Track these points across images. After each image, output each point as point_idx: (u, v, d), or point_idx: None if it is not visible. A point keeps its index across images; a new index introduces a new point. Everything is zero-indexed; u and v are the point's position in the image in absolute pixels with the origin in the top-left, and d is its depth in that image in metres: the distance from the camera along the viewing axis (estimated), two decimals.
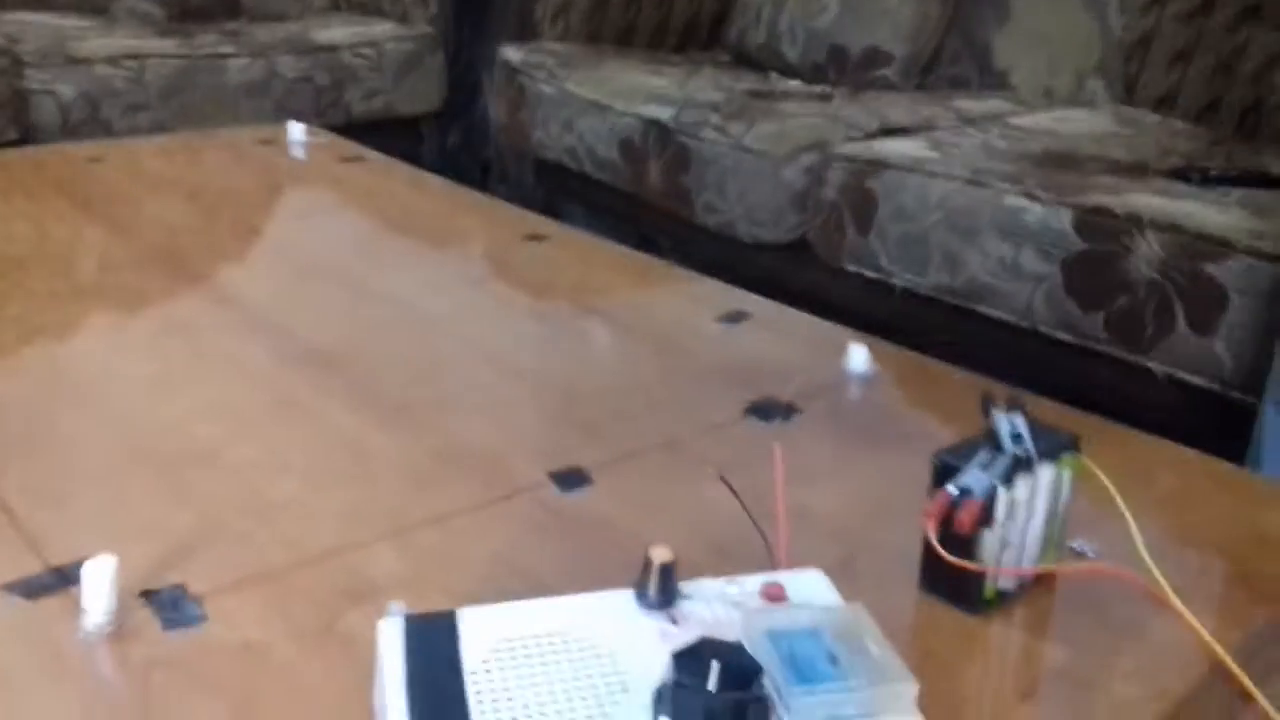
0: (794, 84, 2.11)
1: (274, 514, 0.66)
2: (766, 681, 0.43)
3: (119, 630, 0.55)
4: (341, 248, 1.12)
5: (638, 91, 1.90)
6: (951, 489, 0.55)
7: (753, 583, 0.51)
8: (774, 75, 2.20)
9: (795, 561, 0.54)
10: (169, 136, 1.62)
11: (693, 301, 1.03)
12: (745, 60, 2.27)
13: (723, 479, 0.65)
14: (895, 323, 1.58)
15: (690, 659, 0.43)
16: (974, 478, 0.55)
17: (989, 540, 0.56)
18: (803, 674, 0.44)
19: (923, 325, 1.53)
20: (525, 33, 2.23)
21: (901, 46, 2.10)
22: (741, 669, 0.43)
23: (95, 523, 0.64)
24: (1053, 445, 0.58)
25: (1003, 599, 0.59)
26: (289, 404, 0.79)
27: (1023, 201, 1.39)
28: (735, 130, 1.71)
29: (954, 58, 2.20)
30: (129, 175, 1.34)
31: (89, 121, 2.00)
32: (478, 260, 1.12)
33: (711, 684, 0.42)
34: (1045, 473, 0.58)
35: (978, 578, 0.57)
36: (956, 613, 0.58)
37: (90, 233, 1.13)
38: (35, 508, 0.65)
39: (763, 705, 0.42)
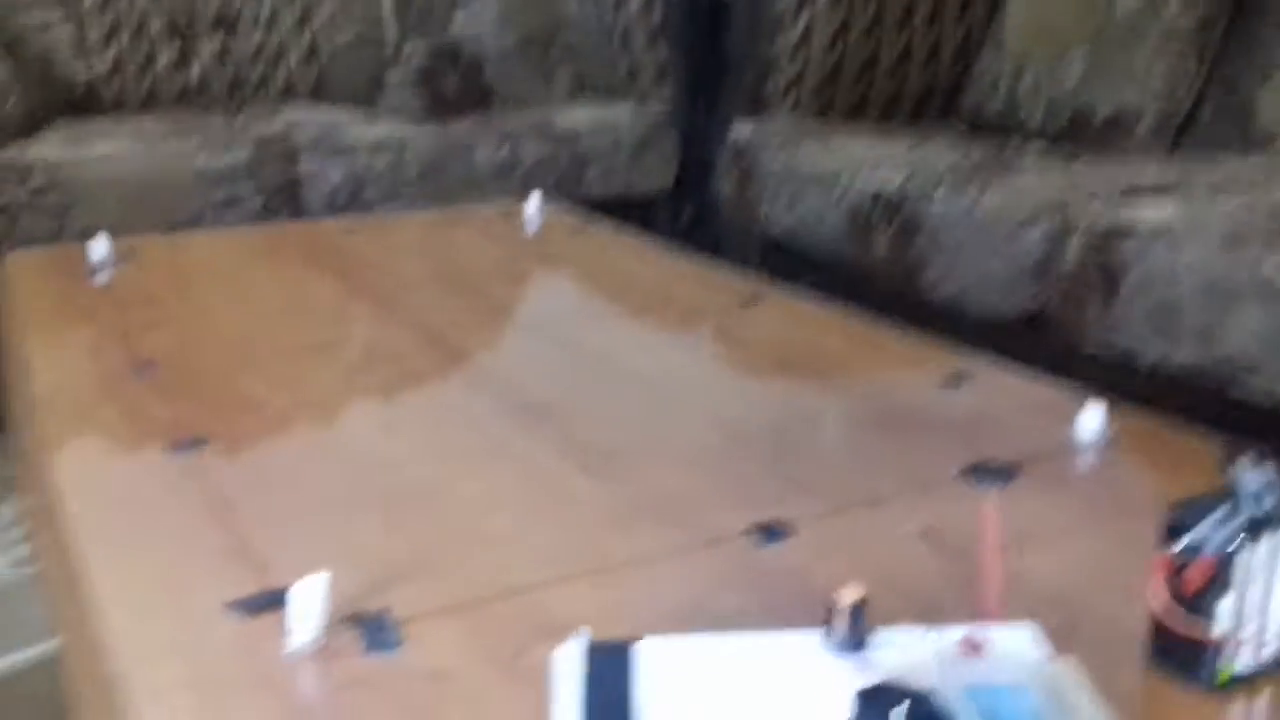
0: (1034, 150, 2.04)
1: (482, 548, 0.68)
2: None
3: (324, 650, 0.58)
4: (563, 309, 1.16)
5: (865, 162, 1.88)
6: (1179, 545, 0.50)
7: (954, 632, 0.48)
8: (1013, 142, 2.13)
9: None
10: (417, 212, 1.74)
11: (912, 363, 1.00)
12: (983, 129, 2.22)
13: (923, 535, 0.62)
14: (1141, 404, 1.48)
15: (876, 700, 0.40)
16: (1206, 534, 0.50)
17: (1225, 609, 0.51)
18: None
19: (1173, 407, 1.42)
20: (757, 109, 2.27)
21: (1152, 107, 1.99)
22: (931, 715, 0.40)
23: (317, 550, 0.67)
24: None
25: (1242, 682, 0.52)
26: (504, 449, 0.82)
27: None
28: (966, 199, 1.66)
29: (1212, 118, 2.06)
30: (378, 245, 1.44)
31: (353, 203, 2.17)
32: (692, 321, 1.13)
33: None
34: None
35: (1211, 651, 0.51)
36: (1187, 693, 0.52)
37: (335, 293, 1.22)
38: (266, 535, 0.69)
39: None
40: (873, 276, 1.83)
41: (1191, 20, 1.99)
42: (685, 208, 2.59)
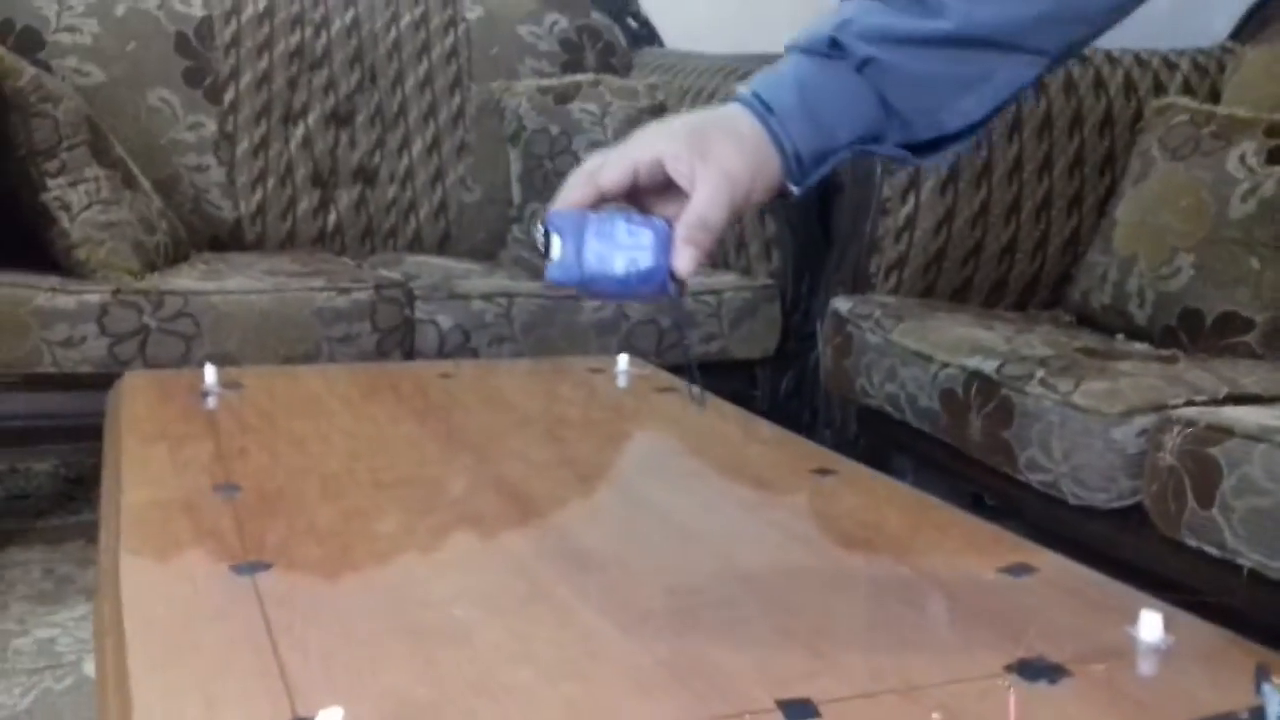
0: (1139, 347, 2.01)
1: (501, 696, 0.68)
2: None
3: None
4: (632, 464, 1.17)
5: (963, 343, 1.88)
6: None
7: None
8: (1119, 338, 2.10)
9: None
10: (513, 361, 1.79)
11: (975, 549, 0.98)
12: (1088, 322, 2.20)
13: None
14: (1241, 609, 1.40)
15: None
16: None
17: None
18: None
19: (1274, 615, 1.34)
20: (859, 286, 2.30)
21: (1263, 313, 1.95)
22: None
23: (342, 684, 0.69)
24: None
25: None
26: (545, 598, 0.83)
27: None
28: (1063, 386, 1.64)
29: None
30: (471, 390, 1.49)
31: (461, 349, 2.25)
32: (758, 487, 1.13)
33: None
34: None
35: None
36: None
37: (421, 433, 1.26)
38: (300, 665, 0.71)
39: None
40: (971, 455, 1.80)
41: None
42: (786, 375, 2.61)
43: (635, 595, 0.84)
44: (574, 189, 0.79)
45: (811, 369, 2.52)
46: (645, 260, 0.76)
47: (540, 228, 0.76)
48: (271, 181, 2.73)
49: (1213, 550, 1.41)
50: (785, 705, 0.68)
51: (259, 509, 0.99)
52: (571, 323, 2.32)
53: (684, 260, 0.77)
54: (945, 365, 1.85)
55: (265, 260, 2.43)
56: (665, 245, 0.76)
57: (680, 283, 0.79)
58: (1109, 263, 2.15)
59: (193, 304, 2.07)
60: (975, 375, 1.78)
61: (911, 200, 2.25)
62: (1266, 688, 0.50)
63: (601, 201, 0.80)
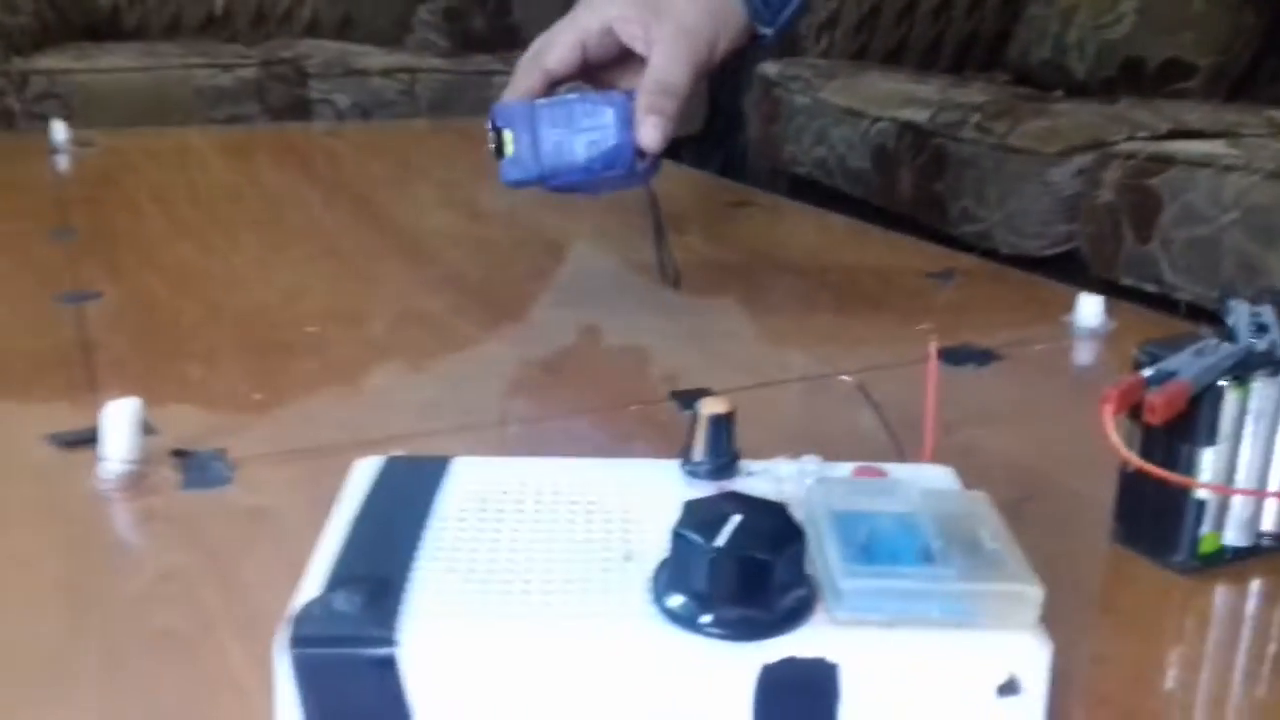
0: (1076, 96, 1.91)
1: (356, 400, 0.59)
2: (812, 553, 0.30)
3: (139, 484, 0.49)
4: (522, 201, 1.06)
5: (894, 97, 1.77)
6: (1149, 372, 0.39)
7: (845, 467, 0.38)
8: (1059, 94, 2.00)
9: None
10: (407, 122, 1.65)
11: (901, 258, 0.89)
12: (1027, 80, 2.09)
13: (859, 388, 0.52)
14: None
15: (707, 511, 0.31)
16: (1184, 362, 0.39)
17: (1209, 463, 0.40)
18: (871, 555, 0.31)
19: None
20: (789, 50, 2.16)
21: (1207, 58, 1.86)
22: (774, 531, 0.30)
23: (168, 393, 0.59)
24: None
25: (1231, 557, 0.42)
26: (417, 318, 0.73)
27: None
28: (998, 129, 1.54)
29: (1274, 75, 1.92)
30: (355, 145, 1.36)
31: (364, 122, 2.09)
32: (673, 222, 1.03)
33: (721, 539, 0.29)
34: None
35: (1188, 512, 0.40)
36: (1159, 571, 0.42)
37: (287, 182, 1.14)
38: (125, 378, 0.61)
39: (795, 571, 0.29)
40: (899, 213, 1.72)
41: None
42: (715, 156, 2.49)
43: (518, 311, 0.74)
44: (520, 78, 0.68)
45: (740, 148, 2.40)
46: (607, 139, 0.63)
47: (489, 125, 0.65)
48: None
49: (1150, 287, 1.35)
50: (680, 395, 0.59)
51: (95, 248, 0.88)
52: (484, 98, 2.16)
53: (648, 131, 0.64)
54: (876, 120, 1.74)
55: (145, 45, 2.22)
56: (628, 119, 0.64)
57: (651, 158, 0.66)
58: (1049, 14, 2.03)
59: (60, 84, 1.88)
60: (907, 127, 1.68)
61: None
62: (1233, 302, 0.42)
63: (553, 86, 0.68)
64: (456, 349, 0.67)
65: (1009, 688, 0.28)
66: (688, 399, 0.59)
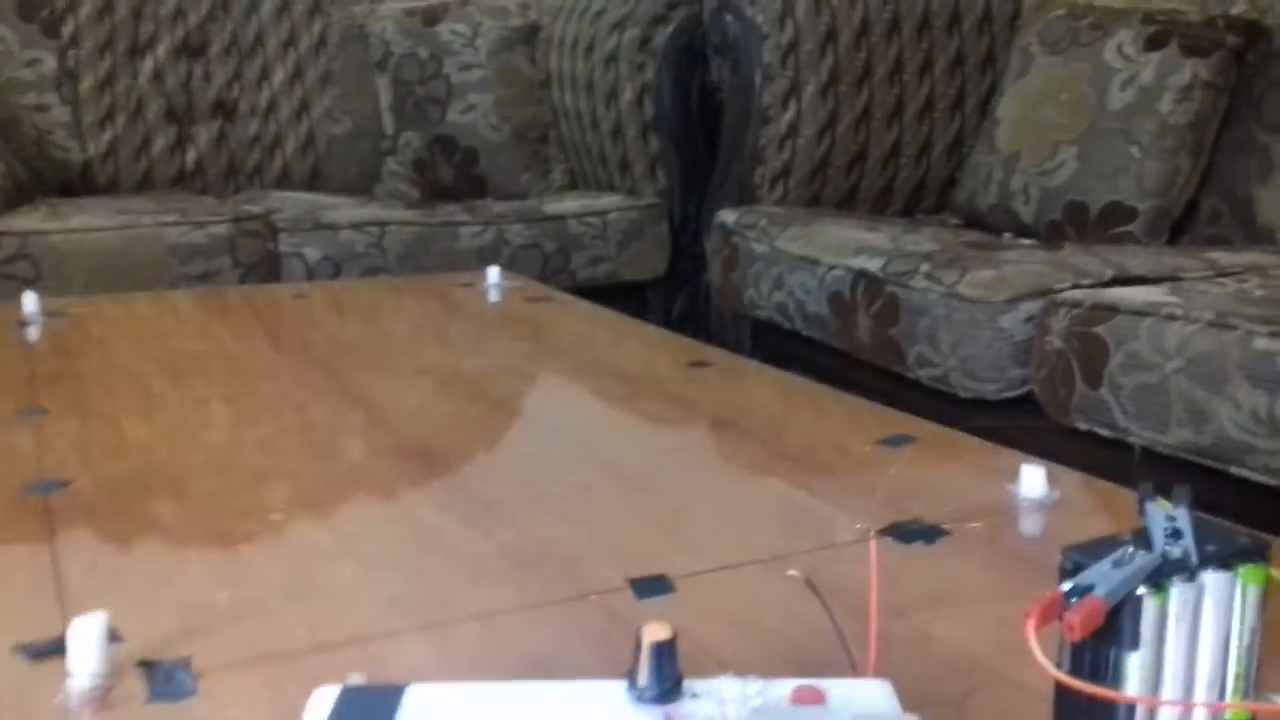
0: (1026, 242, 1.98)
1: (317, 598, 0.60)
2: None
3: (105, 698, 0.50)
4: (492, 368, 1.09)
5: (848, 245, 1.83)
6: (1066, 585, 0.42)
7: (785, 686, 0.39)
8: (1007, 236, 2.07)
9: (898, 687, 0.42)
10: (372, 279, 1.69)
11: (853, 425, 0.92)
12: (976, 224, 2.17)
13: (808, 583, 0.54)
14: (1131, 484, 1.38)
15: None
16: (1100, 574, 0.42)
17: (1135, 667, 0.42)
18: None
19: (1168, 493, 1.32)
20: (745, 198, 2.23)
21: (1146, 202, 1.94)
22: None
23: (134, 595, 0.60)
24: (1227, 550, 0.44)
25: None
26: (381, 498, 0.74)
27: (1278, 345, 1.20)
28: (948, 278, 1.60)
29: (1212, 217, 2.01)
30: (322, 307, 1.39)
31: (331, 281, 2.13)
32: (628, 382, 1.06)
33: None
34: (1215, 583, 0.43)
35: (1120, 718, 0.42)
36: None
37: (256, 351, 1.16)
38: (86, 576, 0.62)
39: None
40: (859, 358, 1.76)
41: (1185, 117, 1.95)
42: (678, 297, 2.54)
43: (481, 489, 0.76)
44: None
45: (704, 290, 2.46)
46: None
47: None
48: (121, 119, 2.55)
49: (1104, 431, 1.39)
50: (637, 583, 0.61)
51: (64, 430, 0.89)
52: (450, 249, 2.22)
53: None
54: (831, 268, 1.80)
55: (118, 201, 2.26)
56: None
57: None
58: (993, 162, 2.12)
59: (31, 245, 1.92)
60: (861, 275, 1.73)
61: (793, 107, 2.19)
62: (1149, 506, 0.44)
63: None
64: (420, 536, 0.69)
65: None
66: (644, 587, 0.61)
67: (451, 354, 1.18)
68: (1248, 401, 1.22)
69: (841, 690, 0.39)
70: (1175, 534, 0.44)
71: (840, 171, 2.25)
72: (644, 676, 0.38)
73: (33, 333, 1.23)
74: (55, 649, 0.53)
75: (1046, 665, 0.39)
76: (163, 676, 0.51)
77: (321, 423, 0.92)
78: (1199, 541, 0.44)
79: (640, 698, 0.38)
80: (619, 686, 0.39)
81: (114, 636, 0.53)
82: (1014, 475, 0.75)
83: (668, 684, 0.38)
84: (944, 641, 0.55)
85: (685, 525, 0.71)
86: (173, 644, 0.54)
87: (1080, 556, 0.43)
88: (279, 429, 0.90)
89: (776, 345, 2.07)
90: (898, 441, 0.86)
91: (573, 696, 0.39)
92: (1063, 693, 0.44)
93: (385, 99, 2.69)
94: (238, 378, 1.06)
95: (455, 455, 0.83)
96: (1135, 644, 0.42)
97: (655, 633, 0.39)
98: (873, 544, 0.48)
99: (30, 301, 1.25)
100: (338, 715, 0.38)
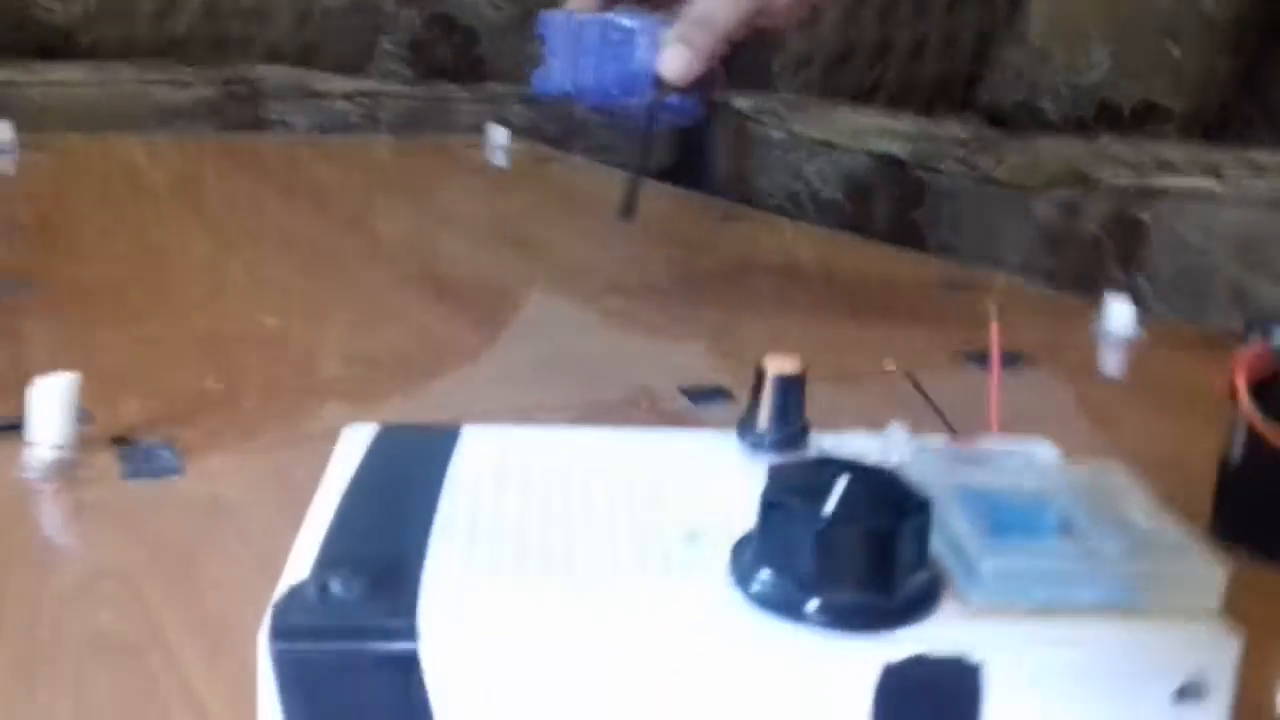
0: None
1: (318, 393, 0.52)
2: (941, 526, 0.24)
3: (71, 475, 0.42)
4: (505, 212, 1.00)
5: (870, 130, 1.74)
6: None
7: (938, 440, 0.32)
8: (1032, 132, 1.99)
9: None
10: (371, 137, 1.60)
11: (911, 270, 0.84)
12: (1000, 122, 2.07)
13: (908, 375, 0.46)
14: None
15: (803, 475, 0.24)
16: None
17: None
18: (1007, 532, 0.25)
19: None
20: (760, 85, 2.13)
21: (1182, 102, 1.85)
22: (893, 499, 0.24)
23: (117, 381, 0.52)
24: None
25: None
26: (389, 313, 0.66)
27: None
28: (982, 163, 1.51)
29: (1246, 121, 1.92)
30: (315, 157, 1.29)
31: (325, 136, 2.02)
32: (663, 233, 0.97)
33: (829, 506, 0.23)
34: None
35: None
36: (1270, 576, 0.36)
37: (242, 184, 1.07)
38: (54, 360, 0.54)
39: (920, 548, 0.23)
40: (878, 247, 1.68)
41: (1228, 15, 1.85)
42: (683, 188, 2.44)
43: (503, 309, 0.68)
44: None
45: (708, 182, 2.36)
46: (627, 65, 0.59)
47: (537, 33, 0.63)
48: None
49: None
50: (692, 393, 0.53)
51: (34, 238, 0.80)
52: (447, 124, 2.11)
53: (669, 59, 0.58)
54: (852, 152, 1.71)
55: (98, 63, 2.14)
56: (654, 47, 0.59)
57: (697, 94, 0.61)
58: (1022, 57, 2.02)
59: (8, 97, 1.80)
60: (884, 159, 1.64)
61: None
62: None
63: (612, 2, 0.63)
64: (434, 346, 0.61)
65: (1190, 691, 0.22)
66: (700, 396, 0.53)
67: (461, 200, 1.09)
68: None
69: (999, 451, 0.31)
70: None
71: (862, 63, 2.14)
72: (764, 419, 0.31)
73: (6, 161, 1.13)
74: (13, 424, 0.45)
75: (1251, 411, 0.31)
76: (141, 454, 0.43)
77: (319, 248, 0.83)
78: None
79: (758, 445, 0.31)
80: (728, 435, 0.32)
81: (85, 419, 0.45)
82: (1088, 318, 0.67)
83: (792, 430, 0.31)
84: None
85: (741, 348, 0.63)
86: (154, 427, 0.46)
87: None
88: (268, 250, 0.82)
89: None
90: (961, 286, 0.78)
91: (672, 443, 0.31)
92: (1229, 479, 0.37)
93: None
94: (226, 208, 0.97)
95: (469, 282, 0.75)
96: None
97: (781, 365, 0.31)
98: (992, 307, 0.40)
99: (5, 130, 1.15)
100: (380, 454, 0.30)
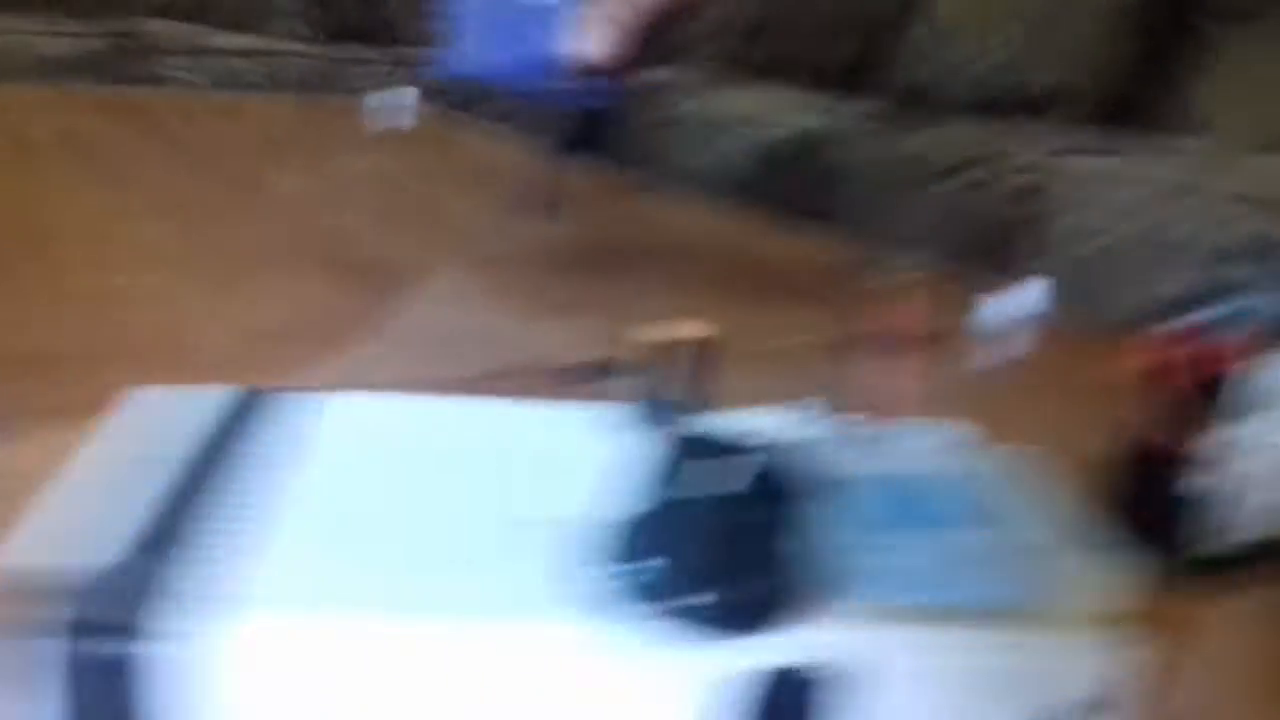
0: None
1: (174, 350, 0.48)
2: (836, 515, 0.22)
3: None
4: (400, 175, 0.96)
5: (785, 105, 1.73)
6: (1199, 316, 0.33)
7: (847, 420, 0.30)
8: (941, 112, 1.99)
9: None
10: (268, 96, 1.53)
11: (806, 250, 0.83)
12: (910, 102, 2.08)
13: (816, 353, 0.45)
14: None
15: (699, 453, 0.22)
16: (1239, 307, 0.33)
17: (1228, 441, 0.34)
18: (898, 523, 0.23)
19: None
20: (668, 61, 2.10)
21: (1087, 86, 1.87)
22: (778, 486, 0.22)
23: None
24: None
25: (1241, 564, 0.36)
26: (266, 276, 0.63)
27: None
28: (889, 141, 1.51)
29: (1149, 105, 1.96)
30: (211, 113, 1.23)
31: (220, 94, 1.94)
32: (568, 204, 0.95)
33: (673, 491, 0.21)
34: None
35: (1195, 508, 0.34)
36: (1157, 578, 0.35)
37: (148, 146, 1.01)
38: None
39: (804, 540, 0.21)
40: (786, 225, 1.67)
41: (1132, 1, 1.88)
42: (595, 159, 2.41)
43: (386, 275, 0.65)
44: None
45: (618, 152, 2.33)
46: (538, 47, 0.55)
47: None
48: None
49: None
50: (588, 366, 0.51)
51: None
52: (349, 89, 2.04)
53: (592, 38, 0.55)
54: (766, 127, 1.70)
55: None
56: (566, 29, 0.55)
57: (588, 69, 0.57)
58: (931, 38, 2.03)
59: None
60: (798, 134, 1.63)
61: None
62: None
63: None
64: (316, 314, 0.57)
65: (1092, 709, 0.21)
66: (594, 371, 0.51)
67: (360, 164, 1.04)
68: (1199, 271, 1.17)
69: (908, 434, 0.29)
70: None
71: (776, 40, 2.13)
72: (665, 384, 0.28)
73: None
74: None
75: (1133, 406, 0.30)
76: None
77: (206, 209, 0.79)
78: None
79: (656, 417, 0.28)
80: (612, 410, 0.29)
81: None
82: (995, 298, 0.67)
83: (686, 403, 0.28)
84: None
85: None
86: None
87: (1182, 300, 0.35)
88: (149, 208, 0.77)
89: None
90: (859, 266, 0.77)
91: (552, 416, 0.29)
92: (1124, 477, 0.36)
93: None
94: (109, 163, 0.91)
95: (360, 250, 0.71)
96: (1253, 403, 0.33)
97: (690, 330, 0.28)
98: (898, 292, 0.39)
99: None
100: (208, 419, 0.27)
